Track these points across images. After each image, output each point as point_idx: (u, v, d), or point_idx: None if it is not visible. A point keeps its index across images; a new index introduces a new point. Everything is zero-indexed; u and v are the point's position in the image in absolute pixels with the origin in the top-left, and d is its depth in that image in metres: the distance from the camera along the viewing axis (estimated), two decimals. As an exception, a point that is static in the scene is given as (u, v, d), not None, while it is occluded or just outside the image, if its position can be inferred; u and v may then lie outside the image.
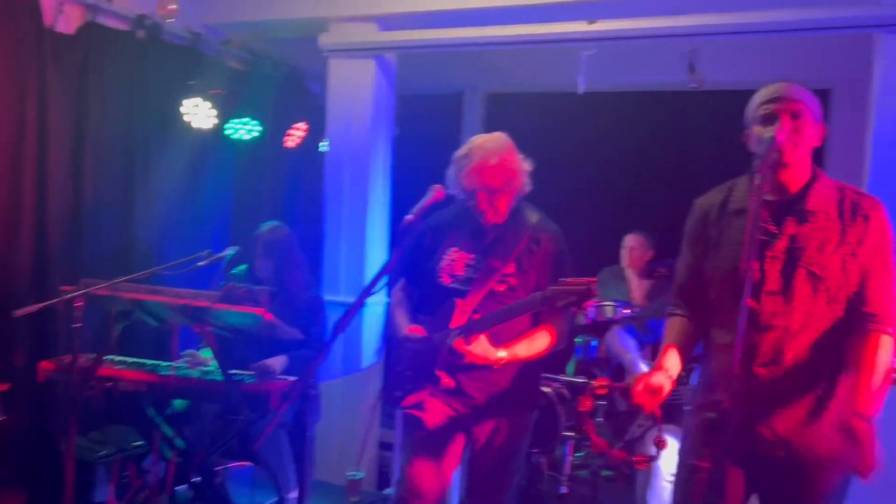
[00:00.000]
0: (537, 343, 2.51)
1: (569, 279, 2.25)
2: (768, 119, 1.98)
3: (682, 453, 2.24)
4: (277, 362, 3.21)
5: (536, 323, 2.54)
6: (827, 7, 3.24)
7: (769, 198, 2.04)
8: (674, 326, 2.23)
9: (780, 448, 2.00)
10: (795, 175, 2.04)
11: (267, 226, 3.56)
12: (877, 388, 1.94)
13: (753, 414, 2.01)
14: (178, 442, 3.18)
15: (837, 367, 1.99)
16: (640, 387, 2.04)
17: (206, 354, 3.35)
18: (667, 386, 2.05)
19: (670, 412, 3.15)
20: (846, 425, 1.90)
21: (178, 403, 3.30)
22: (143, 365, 3.06)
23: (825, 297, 1.98)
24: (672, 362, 2.12)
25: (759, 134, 1.99)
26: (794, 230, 2.00)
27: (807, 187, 2.04)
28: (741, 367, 1.98)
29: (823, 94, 4.86)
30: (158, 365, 3.06)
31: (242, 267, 3.57)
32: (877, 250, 1.99)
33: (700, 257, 2.18)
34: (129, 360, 3.09)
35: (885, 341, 1.97)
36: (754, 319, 1.99)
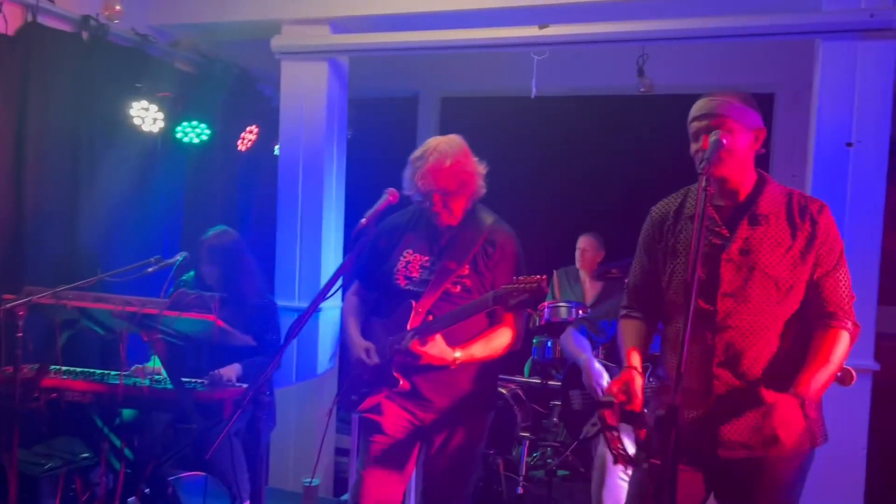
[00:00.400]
0: (494, 343, 2.53)
1: (520, 277, 2.28)
2: (694, 136, 2.07)
3: (638, 452, 2.27)
4: (231, 371, 3.16)
5: (492, 323, 2.55)
6: (770, 14, 3.33)
7: (720, 203, 2.11)
8: (631, 328, 2.28)
9: (739, 448, 2.04)
10: (740, 182, 2.09)
11: (213, 231, 3.50)
12: (823, 378, 1.99)
13: (714, 414, 2.05)
14: (128, 452, 3.10)
15: (793, 365, 2.03)
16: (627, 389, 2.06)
17: (155, 364, 3.28)
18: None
19: (625, 413, 3.21)
20: (775, 399, 1.94)
21: (127, 413, 3.22)
22: (90, 374, 2.98)
23: (777, 298, 2.03)
24: (638, 363, 2.16)
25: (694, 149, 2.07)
26: (746, 233, 2.06)
27: (756, 192, 2.10)
28: (701, 368, 2.06)
29: (767, 99, 5.02)
30: (107, 374, 2.98)
31: (191, 273, 3.51)
32: (828, 252, 2.05)
33: (655, 263, 2.23)
34: (76, 370, 3.01)
35: (844, 337, 2.03)
36: (711, 321, 2.05)
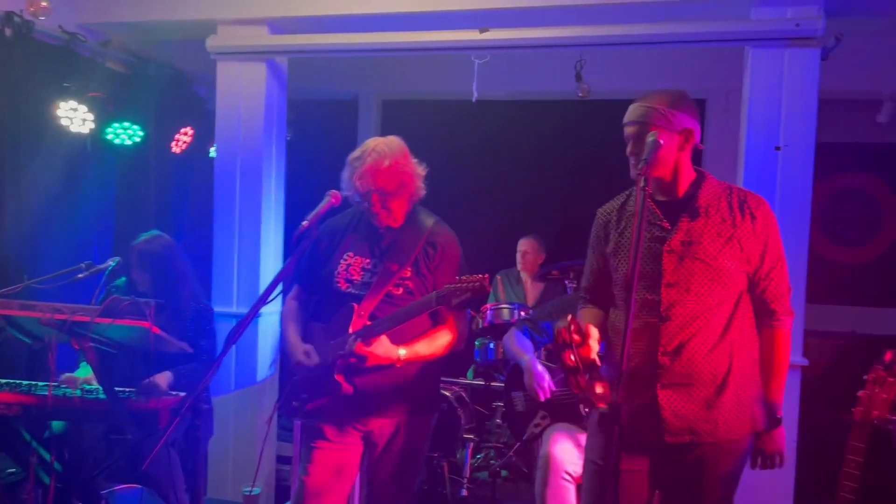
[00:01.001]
0: (438, 342, 2.53)
1: (462, 277, 2.29)
2: (627, 140, 2.17)
3: (587, 451, 2.31)
4: (163, 379, 3.07)
5: (435, 324, 2.55)
6: (702, 22, 3.44)
7: (661, 198, 2.19)
8: (588, 313, 2.34)
9: (684, 433, 2.11)
10: (677, 180, 2.18)
11: (144, 236, 3.40)
12: (784, 381, 2.21)
13: (660, 401, 2.11)
14: (58, 466, 2.97)
15: (734, 351, 2.13)
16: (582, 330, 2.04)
17: (84, 373, 3.16)
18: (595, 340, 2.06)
19: (565, 410, 3.26)
20: (766, 432, 2.19)
21: (57, 425, 3.09)
22: (16, 386, 2.85)
23: (718, 287, 2.12)
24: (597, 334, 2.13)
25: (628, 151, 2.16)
26: (687, 226, 2.14)
27: (695, 187, 2.19)
28: (647, 357, 2.11)
29: (699, 104, 5.12)
30: (34, 385, 2.85)
31: (122, 279, 3.40)
32: (768, 246, 2.16)
33: (604, 261, 2.30)
34: (1, 381, 2.87)
35: (788, 333, 2.23)
36: (654, 310, 2.12)
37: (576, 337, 2.02)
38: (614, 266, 2.25)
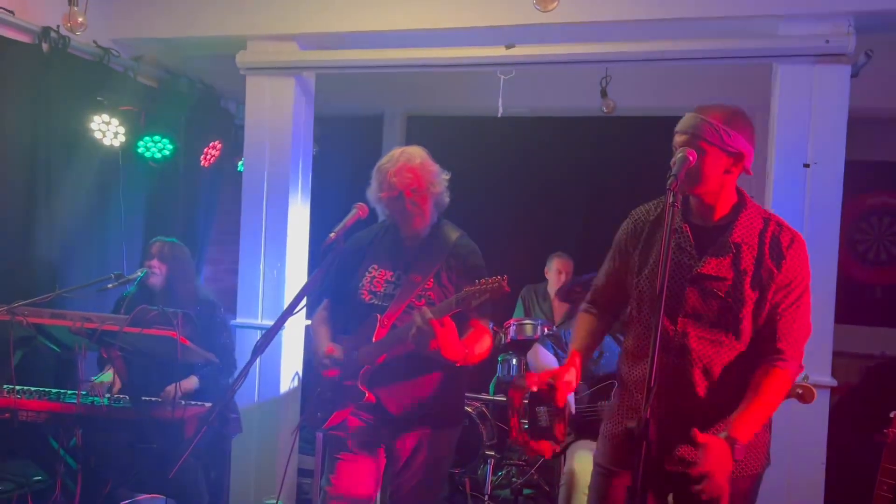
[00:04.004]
0: (484, 343, 2.48)
1: (481, 280, 2.27)
2: (674, 149, 2.03)
3: (594, 456, 2.29)
4: (190, 384, 3.11)
5: (464, 332, 2.47)
6: (728, 38, 3.42)
7: (696, 221, 2.10)
8: (585, 324, 2.31)
9: (680, 464, 2.01)
10: (715, 202, 2.07)
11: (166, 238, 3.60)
12: (760, 421, 1.98)
13: (668, 437, 2.00)
14: (84, 474, 3.01)
15: (734, 395, 2.01)
16: (553, 381, 2.08)
17: (106, 379, 3.19)
18: (574, 382, 2.12)
19: (590, 427, 3.23)
20: (706, 441, 1.86)
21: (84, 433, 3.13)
22: (45, 393, 2.89)
23: (734, 327, 2.03)
24: (578, 363, 2.19)
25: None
26: (715, 259, 2.04)
27: (733, 215, 2.08)
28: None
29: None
30: (62, 393, 2.90)
31: (131, 289, 3.49)
32: (790, 288, 2.02)
33: (623, 268, 2.24)
34: (30, 388, 2.92)
35: (787, 378, 2.01)
36: (666, 339, 2.05)
37: (544, 386, 2.05)
38: (632, 279, 2.17)
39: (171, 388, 3.01)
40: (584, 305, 2.38)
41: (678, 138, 2.04)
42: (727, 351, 2.05)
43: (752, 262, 2.03)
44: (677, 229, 2.09)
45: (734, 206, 2.09)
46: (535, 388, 2.10)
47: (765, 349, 2.03)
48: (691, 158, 1.96)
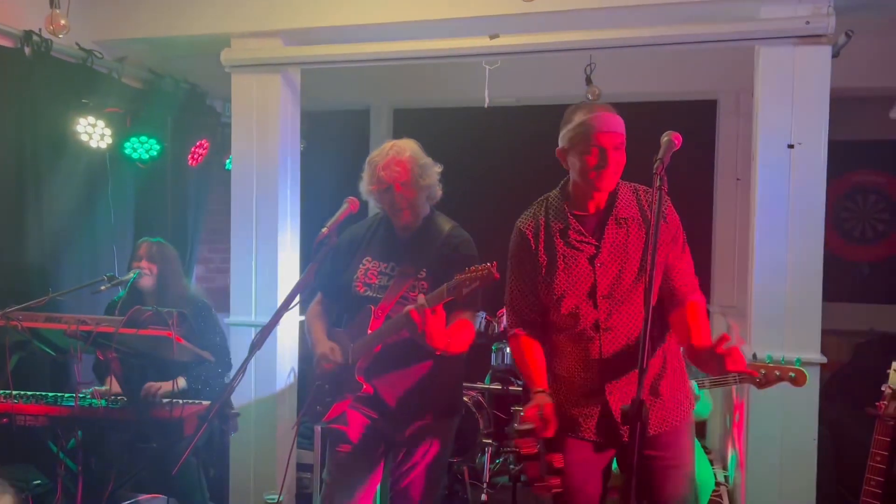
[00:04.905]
0: (464, 334, 2.49)
1: (471, 267, 2.29)
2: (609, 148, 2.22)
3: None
4: (171, 385, 3.13)
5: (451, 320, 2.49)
6: (710, 22, 3.45)
7: (580, 212, 2.27)
8: (526, 349, 2.32)
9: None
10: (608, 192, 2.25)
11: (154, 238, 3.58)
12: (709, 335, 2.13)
13: (610, 408, 2.22)
14: (84, 476, 3.02)
15: (662, 352, 2.24)
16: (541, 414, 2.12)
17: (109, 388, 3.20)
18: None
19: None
20: (724, 354, 1.97)
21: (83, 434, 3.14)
22: (42, 397, 2.90)
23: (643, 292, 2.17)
24: (545, 385, 2.24)
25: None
26: (612, 238, 2.21)
27: (613, 196, 2.25)
28: (590, 367, 2.23)
29: (711, 104, 5.18)
30: (60, 396, 2.90)
31: (121, 293, 3.49)
32: (675, 241, 2.23)
33: (531, 278, 2.31)
34: (27, 393, 2.92)
35: (702, 305, 2.23)
36: (597, 324, 2.20)
37: (538, 423, 2.08)
38: (544, 284, 2.26)
39: (151, 385, 3.01)
40: (514, 331, 2.36)
41: (620, 139, 2.20)
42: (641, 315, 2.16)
43: (642, 230, 2.20)
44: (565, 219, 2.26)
45: (612, 191, 2.26)
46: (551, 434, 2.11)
47: (670, 299, 2.22)
48: (677, 142, 2.02)
